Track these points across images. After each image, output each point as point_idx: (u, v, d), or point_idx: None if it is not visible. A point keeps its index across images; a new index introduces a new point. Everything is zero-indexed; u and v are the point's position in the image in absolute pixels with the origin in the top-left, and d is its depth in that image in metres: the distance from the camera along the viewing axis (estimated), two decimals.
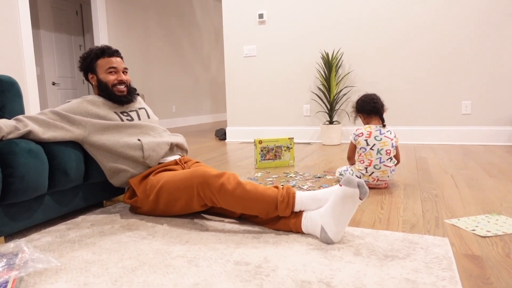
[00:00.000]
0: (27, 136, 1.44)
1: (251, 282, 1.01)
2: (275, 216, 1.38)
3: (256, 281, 1.02)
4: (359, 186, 1.23)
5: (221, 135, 4.62)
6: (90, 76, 1.76)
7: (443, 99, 3.59)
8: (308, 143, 4.00)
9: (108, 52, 1.74)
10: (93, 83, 1.77)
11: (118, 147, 1.62)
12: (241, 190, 1.35)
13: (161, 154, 1.66)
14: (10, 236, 1.44)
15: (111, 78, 1.72)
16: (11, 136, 1.38)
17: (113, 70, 1.73)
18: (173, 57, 6.89)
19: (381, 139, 1.96)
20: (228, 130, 4.48)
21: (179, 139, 1.80)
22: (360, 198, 1.24)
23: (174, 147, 1.77)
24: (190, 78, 7.42)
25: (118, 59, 1.76)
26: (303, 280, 1.02)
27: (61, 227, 1.52)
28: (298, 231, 1.35)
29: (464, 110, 3.53)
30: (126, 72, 1.78)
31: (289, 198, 1.33)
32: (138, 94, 1.89)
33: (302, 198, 1.33)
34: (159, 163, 1.69)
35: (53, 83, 5.48)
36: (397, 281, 1.00)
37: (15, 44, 3.60)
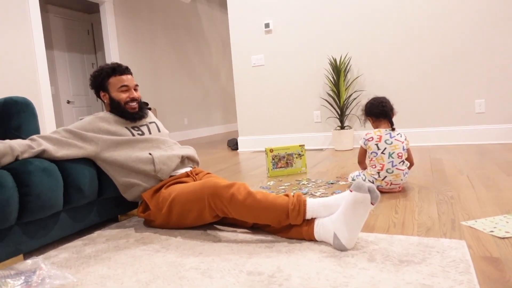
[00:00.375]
0: (42, 155, 1.48)
1: None
2: (287, 224, 1.37)
3: None
4: (370, 191, 1.21)
5: (233, 145, 4.64)
6: (102, 94, 1.80)
7: (455, 98, 3.54)
8: (321, 149, 3.99)
9: (119, 70, 1.77)
10: (105, 101, 1.80)
11: (130, 162, 1.64)
12: (251, 199, 1.35)
13: (172, 167, 1.68)
14: (28, 253, 1.47)
15: (123, 96, 1.75)
16: (25, 155, 1.42)
17: (125, 88, 1.76)
18: (183, 70, 6.99)
19: (391, 143, 1.94)
20: (240, 140, 4.50)
21: (189, 151, 1.82)
22: (371, 203, 1.22)
23: (185, 160, 1.79)
24: (200, 89, 7.50)
25: (129, 76, 1.79)
26: None
27: (77, 243, 1.55)
28: (311, 238, 1.34)
29: (478, 109, 3.46)
30: (137, 89, 1.82)
31: (300, 206, 1.32)
32: (150, 109, 1.92)
33: (313, 205, 1.33)
34: (171, 176, 1.71)
35: (68, 102, 5.61)
36: (413, 286, 0.98)
37: (31, 66, 3.72)
